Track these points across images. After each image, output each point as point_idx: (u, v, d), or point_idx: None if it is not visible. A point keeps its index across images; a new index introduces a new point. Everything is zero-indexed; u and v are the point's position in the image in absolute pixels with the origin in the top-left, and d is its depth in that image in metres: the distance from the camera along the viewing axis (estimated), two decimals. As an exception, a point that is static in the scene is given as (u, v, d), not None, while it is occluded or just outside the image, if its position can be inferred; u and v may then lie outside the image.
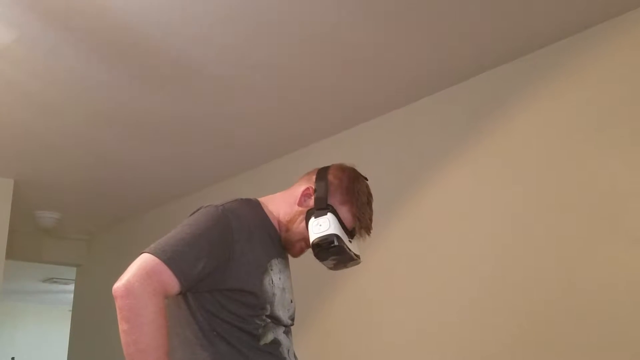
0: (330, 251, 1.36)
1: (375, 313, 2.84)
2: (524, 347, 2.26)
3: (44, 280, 8.23)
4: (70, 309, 6.09)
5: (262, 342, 1.37)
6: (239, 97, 2.82)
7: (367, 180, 1.50)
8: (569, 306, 2.17)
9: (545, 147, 2.36)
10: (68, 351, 5.76)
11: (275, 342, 1.39)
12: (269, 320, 1.39)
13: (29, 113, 3.03)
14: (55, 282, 8.20)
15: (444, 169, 2.69)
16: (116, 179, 4.09)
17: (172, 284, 1.26)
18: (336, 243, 1.35)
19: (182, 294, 1.33)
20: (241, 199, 1.46)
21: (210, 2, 2.09)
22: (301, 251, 1.48)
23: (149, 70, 2.59)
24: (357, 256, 1.42)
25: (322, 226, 1.37)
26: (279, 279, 1.42)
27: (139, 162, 3.75)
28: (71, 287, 6.65)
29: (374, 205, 1.49)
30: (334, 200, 1.43)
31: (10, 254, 4.22)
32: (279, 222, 1.48)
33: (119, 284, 1.22)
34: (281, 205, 1.50)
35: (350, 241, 1.41)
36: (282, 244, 1.48)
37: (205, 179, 4.04)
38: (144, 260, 1.26)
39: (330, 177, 1.47)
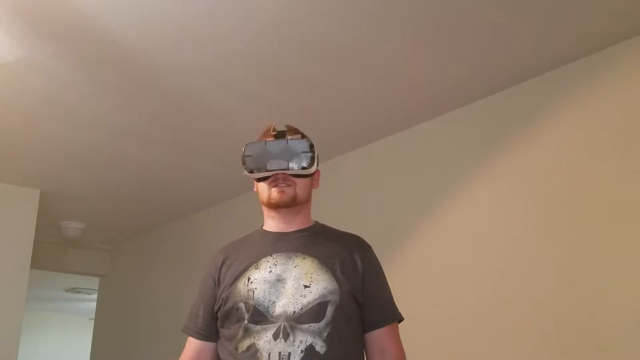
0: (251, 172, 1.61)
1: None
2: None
3: (67, 290, 8.32)
4: (92, 318, 6.14)
5: (240, 350, 1.47)
6: (264, 111, 2.85)
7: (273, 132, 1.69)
8: (596, 324, 2.14)
9: (566, 165, 2.33)
10: (90, 360, 5.82)
11: (251, 349, 1.45)
12: (247, 322, 1.47)
13: (58, 126, 3.09)
14: (78, 292, 8.28)
15: (465, 185, 2.68)
16: (140, 190, 4.14)
17: (192, 343, 1.62)
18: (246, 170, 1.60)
19: (214, 339, 1.59)
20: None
21: (243, 19, 2.13)
22: (276, 192, 1.59)
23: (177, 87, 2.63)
24: (252, 170, 1.61)
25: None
26: (270, 272, 1.51)
27: (163, 174, 3.80)
28: (94, 297, 6.71)
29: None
30: None
31: (35, 264, 4.27)
32: (271, 217, 1.64)
33: None
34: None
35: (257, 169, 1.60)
36: (280, 208, 1.60)
37: (228, 192, 4.07)
38: None
39: None
